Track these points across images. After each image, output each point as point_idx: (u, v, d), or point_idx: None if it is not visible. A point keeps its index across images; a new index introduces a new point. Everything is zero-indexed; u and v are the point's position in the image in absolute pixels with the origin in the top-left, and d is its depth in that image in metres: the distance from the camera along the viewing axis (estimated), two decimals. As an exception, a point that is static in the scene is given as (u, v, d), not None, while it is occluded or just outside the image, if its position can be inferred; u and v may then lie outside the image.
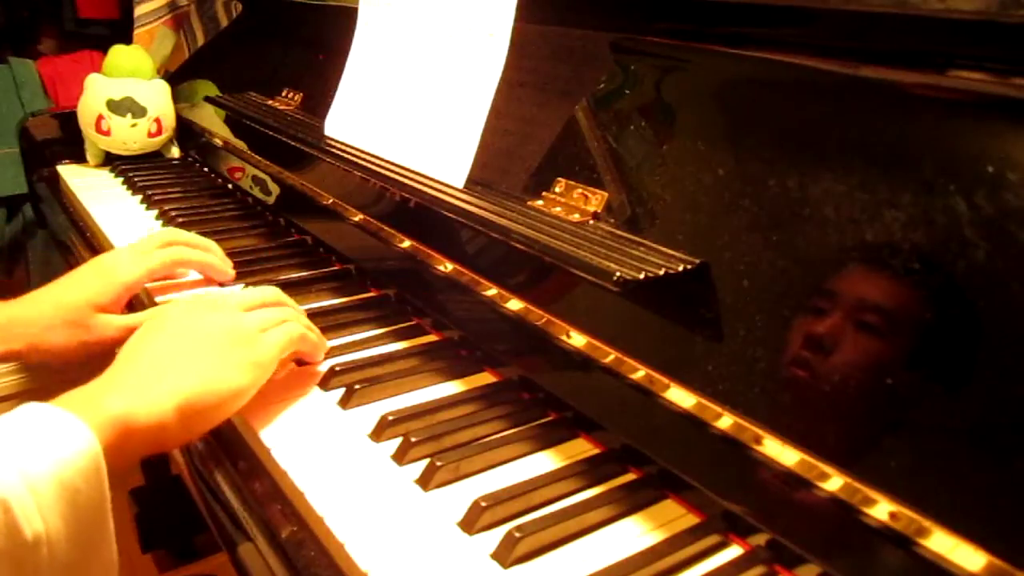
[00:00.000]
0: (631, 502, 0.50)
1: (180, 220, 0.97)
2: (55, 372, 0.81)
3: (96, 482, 0.43)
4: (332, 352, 0.67)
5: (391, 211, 0.77)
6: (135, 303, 0.77)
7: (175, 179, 1.16)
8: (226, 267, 0.80)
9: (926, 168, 0.43)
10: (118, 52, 1.20)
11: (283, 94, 1.07)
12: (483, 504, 0.47)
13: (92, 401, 0.47)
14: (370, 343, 0.69)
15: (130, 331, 0.67)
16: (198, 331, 0.56)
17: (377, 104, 0.82)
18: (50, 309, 0.68)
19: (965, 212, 0.40)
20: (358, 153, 0.80)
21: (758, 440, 0.44)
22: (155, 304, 0.76)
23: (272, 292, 0.64)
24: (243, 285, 0.80)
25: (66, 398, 0.47)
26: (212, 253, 0.80)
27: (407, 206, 0.74)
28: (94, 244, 0.97)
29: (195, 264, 0.79)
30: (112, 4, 2.23)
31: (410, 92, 0.78)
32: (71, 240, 1.03)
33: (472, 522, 0.47)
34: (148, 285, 0.78)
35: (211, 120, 1.19)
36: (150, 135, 1.20)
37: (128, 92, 1.17)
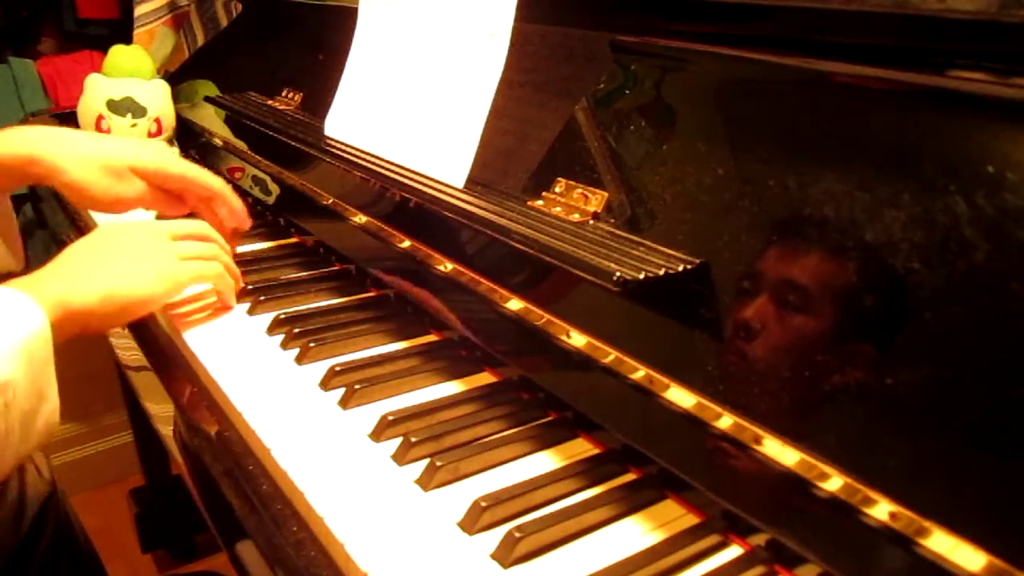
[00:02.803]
0: (631, 502, 0.50)
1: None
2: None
3: (45, 348, 0.56)
4: (332, 352, 0.67)
5: (391, 211, 0.77)
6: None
7: (175, 179, 1.16)
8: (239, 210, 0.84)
9: (926, 168, 0.43)
10: (118, 52, 1.20)
11: (283, 94, 1.07)
12: (483, 504, 0.47)
13: (41, 286, 0.59)
14: (370, 343, 0.69)
15: (152, 195, 0.80)
16: (129, 244, 0.68)
17: (377, 104, 0.82)
18: (98, 152, 0.76)
19: (965, 212, 0.40)
20: (358, 153, 0.80)
21: (758, 440, 0.44)
22: None
23: (200, 226, 0.75)
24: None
25: (19, 282, 0.59)
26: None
27: (407, 206, 0.74)
28: (94, 244, 0.97)
29: (228, 202, 0.83)
30: (112, 4, 2.22)
31: (410, 92, 0.78)
32: (71, 240, 1.03)
33: (472, 522, 0.47)
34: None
35: (211, 120, 1.19)
36: (150, 135, 1.19)
37: (128, 92, 1.17)
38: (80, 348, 0.78)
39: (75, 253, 0.66)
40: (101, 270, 0.65)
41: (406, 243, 0.73)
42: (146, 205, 0.81)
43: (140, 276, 0.66)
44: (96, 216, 1.01)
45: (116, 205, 0.78)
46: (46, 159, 0.73)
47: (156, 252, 0.69)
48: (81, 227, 1.03)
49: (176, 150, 1.26)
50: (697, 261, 0.50)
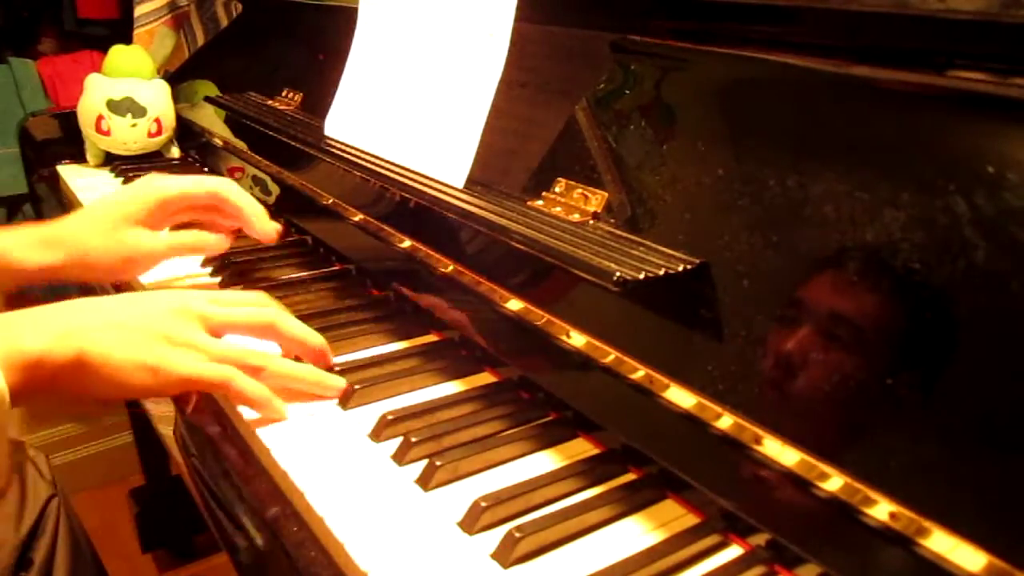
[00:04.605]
0: (631, 502, 0.50)
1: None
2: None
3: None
4: (332, 352, 0.67)
5: (391, 211, 0.77)
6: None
7: (175, 179, 1.16)
8: (267, 224, 0.78)
9: (926, 168, 0.43)
10: (118, 52, 1.20)
11: (283, 94, 1.07)
12: (483, 504, 0.47)
13: (15, 336, 0.51)
14: (370, 343, 0.69)
15: (171, 249, 0.75)
16: (135, 310, 0.57)
17: (377, 104, 0.82)
18: (91, 221, 0.71)
19: (965, 212, 0.40)
20: (358, 153, 0.80)
21: (758, 440, 0.44)
22: None
23: (258, 315, 0.61)
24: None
25: None
26: (260, 216, 0.79)
27: (407, 206, 0.74)
28: (94, 244, 0.97)
29: (242, 210, 0.77)
30: (112, 4, 2.22)
31: (410, 92, 0.78)
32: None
33: (472, 522, 0.47)
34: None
35: (211, 120, 1.19)
36: (150, 135, 1.20)
37: (128, 92, 1.17)
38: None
39: (71, 302, 0.57)
40: (85, 327, 0.54)
41: (406, 243, 0.73)
42: (181, 253, 0.77)
43: (121, 351, 0.54)
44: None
45: (132, 266, 0.74)
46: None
47: (157, 330, 0.56)
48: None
49: (176, 149, 1.26)
50: (697, 261, 0.50)
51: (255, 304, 0.63)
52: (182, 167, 1.23)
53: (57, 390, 0.54)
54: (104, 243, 0.71)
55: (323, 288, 0.79)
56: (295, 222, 0.94)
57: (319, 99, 0.95)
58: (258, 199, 1.03)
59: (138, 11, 1.61)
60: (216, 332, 0.59)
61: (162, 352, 0.55)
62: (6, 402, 0.49)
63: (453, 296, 0.68)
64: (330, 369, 0.62)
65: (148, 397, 0.60)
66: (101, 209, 0.73)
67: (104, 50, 1.24)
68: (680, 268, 0.50)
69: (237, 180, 1.09)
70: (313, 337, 0.62)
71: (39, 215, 1.32)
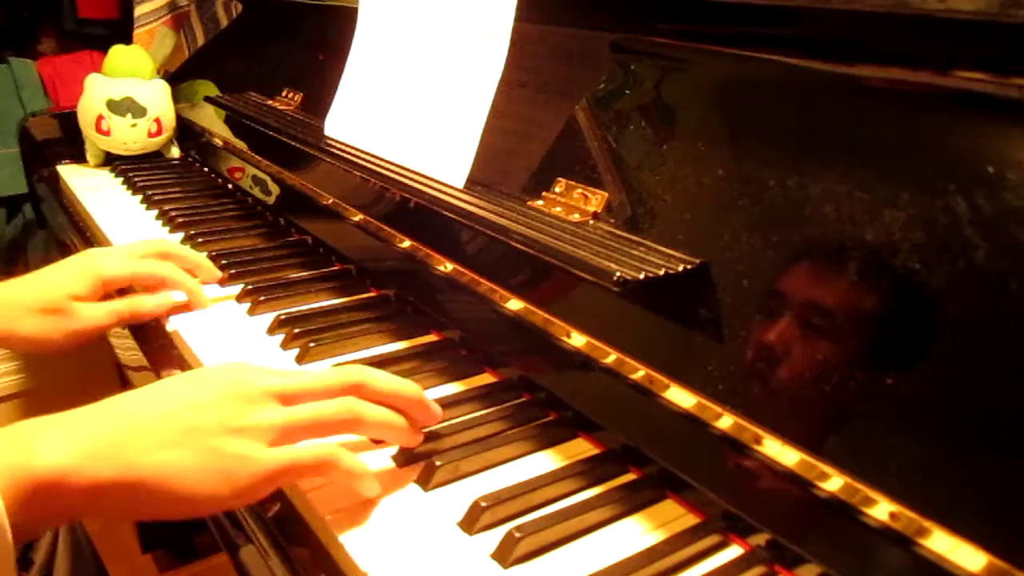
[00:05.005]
0: (631, 502, 0.50)
1: (180, 220, 0.97)
2: (54, 372, 0.80)
3: None
4: (332, 352, 0.67)
5: (391, 211, 0.77)
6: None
7: (175, 179, 1.16)
8: (202, 298, 0.76)
9: (926, 168, 0.43)
10: (118, 52, 1.20)
11: (283, 94, 1.07)
12: (483, 504, 0.47)
13: (23, 449, 0.41)
14: (370, 343, 0.69)
15: (112, 315, 0.71)
16: (193, 402, 0.46)
17: (377, 104, 0.82)
18: (27, 295, 0.68)
19: (965, 212, 0.40)
20: (358, 153, 0.80)
21: (758, 440, 0.44)
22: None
23: (333, 377, 0.50)
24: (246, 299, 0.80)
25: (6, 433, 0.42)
26: (203, 268, 0.79)
27: (407, 206, 0.74)
28: (94, 244, 0.98)
29: (181, 286, 0.75)
30: (112, 4, 2.23)
31: (410, 92, 0.78)
32: (71, 240, 1.03)
33: (472, 522, 0.47)
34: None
35: (211, 120, 1.19)
36: (150, 135, 1.20)
37: (128, 92, 1.17)
38: (79, 348, 0.77)
39: (106, 404, 0.46)
40: (129, 436, 0.43)
41: (406, 243, 0.73)
42: (122, 322, 0.73)
43: (180, 459, 0.43)
44: (109, 234, 0.98)
45: (74, 340, 0.70)
46: None
47: (221, 423, 0.45)
48: (81, 228, 1.03)
49: (176, 149, 1.26)
50: (697, 261, 0.50)
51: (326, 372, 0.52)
52: (182, 167, 1.23)
53: (90, 513, 0.45)
54: (40, 322, 0.68)
55: (323, 288, 0.79)
56: (295, 222, 0.94)
57: (319, 99, 0.95)
58: (258, 199, 1.03)
59: (138, 11, 1.61)
60: (290, 402, 0.49)
61: (234, 448, 0.44)
62: (7, 537, 0.39)
63: (453, 296, 0.68)
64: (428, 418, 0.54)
65: (228, 509, 0.49)
66: (35, 285, 0.70)
67: (104, 50, 1.24)
68: (680, 268, 0.50)
69: (237, 180, 1.09)
70: (407, 387, 0.52)
71: (39, 215, 1.32)
